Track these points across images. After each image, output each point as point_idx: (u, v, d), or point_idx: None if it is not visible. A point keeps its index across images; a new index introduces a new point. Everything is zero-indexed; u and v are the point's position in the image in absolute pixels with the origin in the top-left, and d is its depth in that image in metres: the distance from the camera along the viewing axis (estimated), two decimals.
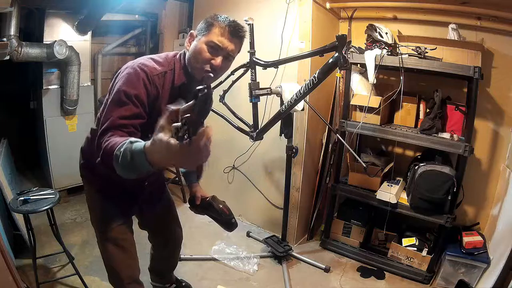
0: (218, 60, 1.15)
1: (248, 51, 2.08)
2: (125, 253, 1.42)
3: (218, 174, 2.93)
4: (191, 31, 1.24)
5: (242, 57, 2.15)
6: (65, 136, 2.81)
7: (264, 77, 2.21)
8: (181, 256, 2.27)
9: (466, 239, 2.07)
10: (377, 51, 2.10)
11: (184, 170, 1.64)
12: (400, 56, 2.04)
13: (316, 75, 1.57)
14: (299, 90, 1.71)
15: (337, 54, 1.45)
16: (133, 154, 0.82)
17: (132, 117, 1.05)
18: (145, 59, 1.16)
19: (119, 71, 1.15)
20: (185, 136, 0.67)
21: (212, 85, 2.41)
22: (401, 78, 2.03)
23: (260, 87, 2.05)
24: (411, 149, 2.50)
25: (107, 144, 0.95)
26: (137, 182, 1.38)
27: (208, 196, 1.53)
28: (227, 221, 1.47)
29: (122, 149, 0.86)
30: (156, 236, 1.69)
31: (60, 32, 2.66)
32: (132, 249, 1.45)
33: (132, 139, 0.88)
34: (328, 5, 2.39)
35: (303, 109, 2.10)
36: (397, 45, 2.19)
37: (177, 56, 1.23)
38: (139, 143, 0.82)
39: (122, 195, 1.39)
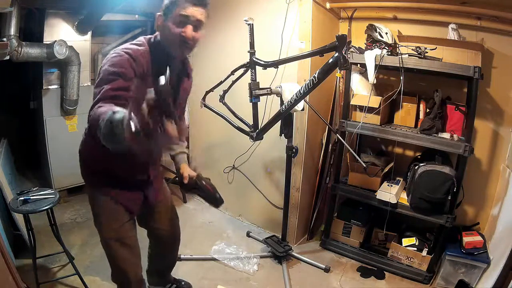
0: (188, 30, 1.17)
1: (248, 51, 2.09)
2: (131, 251, 1.45)
3: (218, 174, 2.93)
4: (158, 13, 1.25)
5: (242, 57, 2.18)
6: (65, 136, 2.81)
7: (264, 77, 2.21)
8: (181, 256, 2.27)
9: (466, 239, 2.07)
10: (377, 51, 2.10)
11: (173, 153, 1.65)
12: (400, 56, 2.04)
13: (316, 75, 1.57)
14: (299, 90, 1.71)
15: (337, 54, 1.45)
16: (113, 123, 0.83)
17: (122, 89, 1.08)
18: (126, 44, 1.22)
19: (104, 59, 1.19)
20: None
21: (212, 85, 2.44)
22: (401, 78, 2.03)
23: (260, 87, 2.05)
24: (411, 149, 2.50)
25: (94, 113, 0.97)
26: (140, 174, 1.42)
27: (194, 175, 1.58)
28: (212, 197, 1.53)
29: (106, 118, 0.86)
30: (157, 231, 1.68)
31: (60, 32, 2.67)
32: (137, 247, 1.49)
33: (116, 108, 0.88)
34: (328, 5, 2.39)
35: (303, 109, 2.10)
36: (397, 45, 2.19)
37: (153, 37, 1.27)
38: (120, 113, 0.83)
39: (126, 191, 1.41)
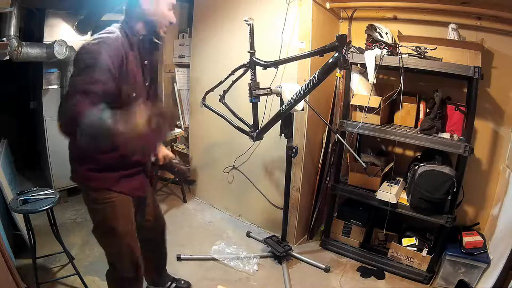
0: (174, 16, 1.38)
1: (248, 51, 2.09)
2: (136, 242, 1.49)
3: (218, 174, 2.94)
4: None
5: (242, 57, 2.18)
6: None
7: (264, 77, 2.21)
8: (181, 256, 2.28)
9: (466, 239, 2.07)
10: (377, 51, 2.10)
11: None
12: (400, 56, 2.04)
13: (316, 75, 1.57)
14: (299, 90, 1.71)
15: (337, 54, 1.45)
16: (102, 122, 0.97)
17: (98, 82, 1.13)
18: (100, 35, 1.31)
19: None
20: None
21: (212, 85, 2.44)
22: (401, 78, 2.02)
23: (260, 87, 2.05)
24: (411, 149, 2.50)
25: (74, 109, 1.03)
26: (142, 154, 1.45)
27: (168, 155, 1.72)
28: (183, 178, 1.78)
29: (93, 116, 0.99)
30: (146, 223, 1.67)
31: (60, 32, 2.67)
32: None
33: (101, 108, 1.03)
34: (328, 5, 2.39)
35: (303, 109, 2.09)
36: (397, 45, 2.19)
37: (124, 23, 1.35)
38: (108, 114, 0.99)
39: (132, 179, 1.43)
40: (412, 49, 2.07)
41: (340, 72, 2.40)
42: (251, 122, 2.18)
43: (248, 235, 2.64)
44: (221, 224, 2.82)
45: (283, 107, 1.87)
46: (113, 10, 2.67)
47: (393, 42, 2.17)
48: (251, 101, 2.06)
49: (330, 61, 1.50)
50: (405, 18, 2.32)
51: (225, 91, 2.35)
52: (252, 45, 2.08)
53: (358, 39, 2.39)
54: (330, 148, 2.57)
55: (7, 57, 2.27)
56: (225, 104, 2.38)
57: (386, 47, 2.13)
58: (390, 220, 2.27)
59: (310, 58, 2.09)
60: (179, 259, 2.27)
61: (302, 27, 2.25)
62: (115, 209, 1.38)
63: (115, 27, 1.33)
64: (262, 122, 2.23)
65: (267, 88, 2.05)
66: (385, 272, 2.27)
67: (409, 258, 2.22)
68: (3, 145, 2.55)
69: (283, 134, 2.13)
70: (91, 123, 0.97)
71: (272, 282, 2.16)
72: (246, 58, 2.10)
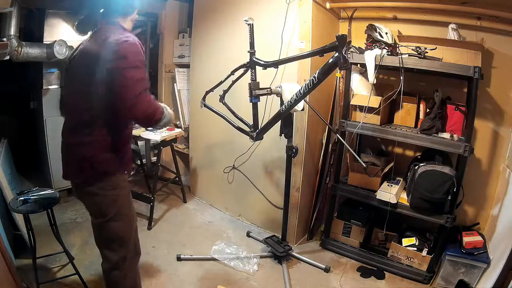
0: None
1: (248, 51, 2.09)
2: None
3: (218, 174, 2.94)
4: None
5: (242, 57, 2.18)
6: None
7: (264, 77, 2.21)
8: (181, 256, 2.28)
9: (466, 239, 2.07)
10: (377, 51, 2.10)
11: None
12: (400, 56, 2.04)
13: (316, 75, 1.57)
14: (299, 90, 1.71)
15: (337, 54, 1.45)
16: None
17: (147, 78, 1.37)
18: (128, 33, 1.44)
19: None
20: None
21: (212, 85, 2.44)
22: (401, 78, 2.02)
23: (260, 87, 2.05)
24: (411, 149, 2.50)
25: (154, 104, 1.33)
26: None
27: None
28: None
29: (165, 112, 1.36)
30: None
31: (60, 32, 2.67)
32: None
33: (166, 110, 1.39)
34: (328, 5, 2.39)
35: (303, 109, 2.10)
36: (397, 45, 2.19)
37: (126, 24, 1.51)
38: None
39: (129, 167, 1.53)
40: (412, 49, 2.07)
41: (340, 72, 2.39)
42: (251, 122, 2.18)
43: (248, 235, 2.64)
44: (221, 224, 2.82)
45: (283, 107, 1.87)
46: None
47: (393, 42, 2.17)
48: (251, 101, 2.06)
49: (330, 61, 1.50)
50: (405, 18, 2.32)
51: (225, 91, 2.35)
52: (252, 45, 2.08)
53: (358, 39, 2.39)
54: (330, 148, 2.57)
55: (7, 57, 2.27)
56: (225, 104, 2.38)
57: (386, 47, 2.13)
58: (390, 220, 2.27)
59: (310, 58, 2.09)
60: (179, 259, 2.27)
61: (302, 27, 2.25)
62: (128, 192, 1.48)
63: (114, 27, 1.39)
64: (262, 122, 2.23)
65: (267, 88, 2.05)
66: (385, 272, 2.27)
67: (409, 258, 2.22)
68: (3, 145, 2.55)
69: (283, 134, 2.14)
70: (167, 118, 1.35)
71: (272, 282, 2.16)
72: (246, 58, 2.10)
